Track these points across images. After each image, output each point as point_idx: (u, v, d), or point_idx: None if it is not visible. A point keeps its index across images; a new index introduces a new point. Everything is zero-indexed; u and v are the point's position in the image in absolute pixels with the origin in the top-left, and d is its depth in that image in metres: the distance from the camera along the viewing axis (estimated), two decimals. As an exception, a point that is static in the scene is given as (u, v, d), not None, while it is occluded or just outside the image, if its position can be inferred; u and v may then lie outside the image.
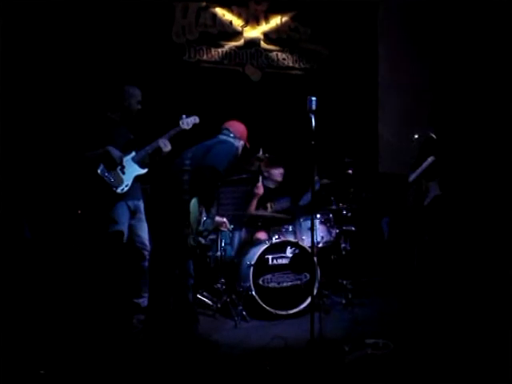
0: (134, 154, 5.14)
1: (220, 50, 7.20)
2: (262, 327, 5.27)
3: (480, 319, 4.91)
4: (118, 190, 5.03)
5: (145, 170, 5.18)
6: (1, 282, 4.93)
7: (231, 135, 5.44)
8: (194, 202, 4.88)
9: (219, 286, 5.83)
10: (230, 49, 7.27)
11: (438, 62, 7.60)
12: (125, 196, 5.07)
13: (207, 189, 5.02)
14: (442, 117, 6.86)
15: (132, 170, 5.13)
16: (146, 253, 5.22)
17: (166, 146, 5.13)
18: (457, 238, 5.91)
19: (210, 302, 5.81)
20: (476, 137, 6.52)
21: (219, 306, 5.70)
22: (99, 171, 4.99)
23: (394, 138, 7.43)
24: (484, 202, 6.06)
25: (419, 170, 5.40)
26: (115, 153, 5.02)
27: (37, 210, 5.81)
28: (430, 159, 5.36)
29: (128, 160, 5.11)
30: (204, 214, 4.93)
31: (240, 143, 5.47)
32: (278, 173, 6.46)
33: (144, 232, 5.23)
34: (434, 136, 5.83)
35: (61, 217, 5.91)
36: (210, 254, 6.07)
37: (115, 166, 5.04)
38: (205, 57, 7.11)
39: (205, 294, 5.96)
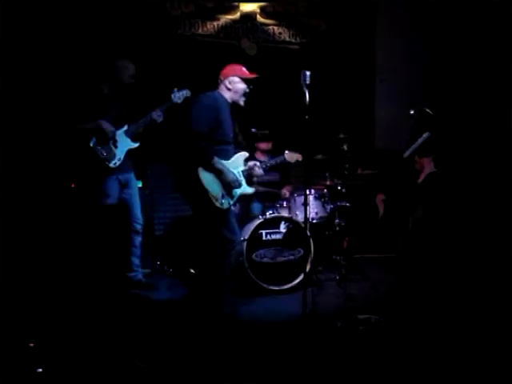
0: (126, 127, 5.15)
1: (216, 23, 7.12)
2: (254, 302, 5.28)
3: (475, 296, 4.91)
4: (111, 164, 5.07)
5: (137, 144, 5.23)
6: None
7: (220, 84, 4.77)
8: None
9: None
10: (226, 22, 7.18)
11: (436, 39, 7.53)
12: (116, 170, 5.08)
13: (189, 151, 4.53)
14: (439, 92, 6.82)
15: (124, 144, 5.15)
16: (139, 226, 5.24)
17: (159, 117, 5.14)
18: (451, 215, 5.89)
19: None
20: (472, 112, 6.48)
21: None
22: (91, 145, 5.00)
23: (390, 114, 7.38)
24: (479, 179, 6.04)
25: (414, 146, 5.35)
26: (108, 127, 5.02)
27: (29, 183, 5.79)
28: (426, 135, 5.29)
29: (120, 134, 5.13)
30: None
31: (226, 83, 4.72)
32: (266, 146, 6.40)
33: (136, 205, 5.26)
34: (429, 111, 5.77)
35: (54, 190, 5.90)
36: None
37: (107, 140, 5.03)
38: (200, 30, 7.02)
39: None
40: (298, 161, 5.20)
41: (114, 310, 4.74)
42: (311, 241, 5.66)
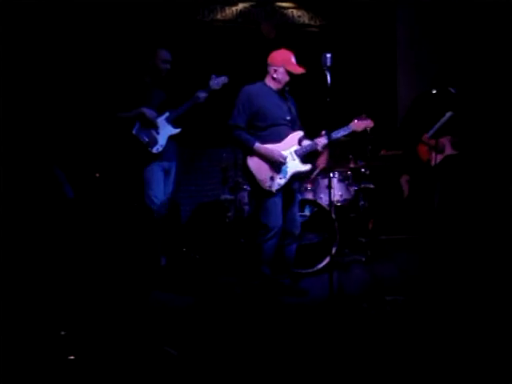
0: (167, 114, 5.26)
1: (234, 8, 7.12)
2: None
3: (496, 277, 4.88)
4: (154, 150, 5.22)
5: (178, 130, 5.34)
6: (44, 239, 5.01)
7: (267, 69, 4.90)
8: None
9: (239, 245, 5.87)
10: (245, 7, 7.18)
11: (458, 22, 7.42)
12: (159, 156, 5.21)
13: (232, 143, 5.01)
14: (461, 72, 6.73)
15: (166, 130, 5.30)
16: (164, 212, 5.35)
17: (204, 98, 5.25)
18: (468, 199, 5.85)
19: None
20: (494, 95, 6.39)
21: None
22: (134, 131, 5.15)
23: (413, 93, 7.30)
24: (497, 162, 5.96)
25: (437, 126, 5.30)
26: (150, 113, 5.14)
27: (74, 170, 5.88)
28: (449, 114, 5.25)
29: (162, 120, 5.26)
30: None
31: (271, 72, 4.84)
32: None
33: (168, 193, 5.40)
34: (452, 90, 5.71)
35: (92, 178, 6.01)
36: (229, 214, 6.10)
37: (150, 126, 5.14)
38: (219, 16, 7.03)
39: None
40: (366, 129, 5.02)
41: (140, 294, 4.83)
42: (336, 223, 5.65)
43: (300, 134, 4.89)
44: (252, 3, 7.17)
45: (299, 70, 4.81)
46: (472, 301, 4.39)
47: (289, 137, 4.84)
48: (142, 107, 5.15)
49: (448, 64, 7.22)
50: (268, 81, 4.88)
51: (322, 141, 4.82)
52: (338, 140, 4.95)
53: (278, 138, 4.78)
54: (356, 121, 4.92)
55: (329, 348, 3.70)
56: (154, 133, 5.22)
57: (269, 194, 4.71)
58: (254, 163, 4.72)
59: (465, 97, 5.83)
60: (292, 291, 4.89)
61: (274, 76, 4.82)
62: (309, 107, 6.64)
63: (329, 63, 4.12)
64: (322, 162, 6.29)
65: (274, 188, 4.70)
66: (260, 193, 4.76)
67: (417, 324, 4.02)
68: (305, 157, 4.87)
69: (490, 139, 6.04)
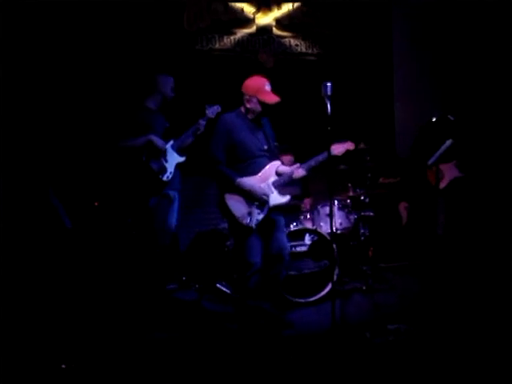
0: (172, 142, 5.19)
1: (232, 37, 7.17)
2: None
3: (500, 303, 4.84)
4: (164, 178, 5.12)
5: (184, 158, 5.26)
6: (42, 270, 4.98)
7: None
8: None
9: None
10: (243, 36, 7.22)
11: (455, 44, 7.49)
12: (168, 184, 5.15)
13: (213, 177, 4.72)
14: (458, 99, 6.77)
15: (173, 158, 5.21)
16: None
17: (203, 126, 5.15)
18: (475, 222, 5.84)
19: (228, 291, 5.80)
20: (493, 118, 6.42)
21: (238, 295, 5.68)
22: (144, 159, 5.07)
23: (410, 121, 7.34)
24: (502, 182, 5.96)
25: (438, 153, 5.31)
26: (159, 142, 5.07)
27: (74, 199, 5.84)
28: (449, 142, 5.26)
29: (168, 148, 5.18)
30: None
31: (244, 100, 4.74)
32: (287, 160, 6.28)
33: (172, 222, 5.32)
34: (451, 118, 5.75)
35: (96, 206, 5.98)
36: (229, 243, 6.06)
37: (158, 153, 5.08)
38: (217, 45, 7.07)
39: (224, 283, 5.94)
40: (348, 150, 4.83)
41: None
42: (336, 252, 5.61)
43: (277, 163, 4.80)
44: (250, 32, 7.21)
45: (273, 100, 4.65)
46: (476, 327, 4.35)
47: (266, 168, 4.72)
48: (149, 135, 5.06)
49: (445, 90, 7.28)
50: (243, 109, 4.77)
51: (299, 172, 4.71)
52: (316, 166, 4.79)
53: (256, 170, 4.67)
54: (335, 145, 4.75)
55: (334, 379, 3.65)
56: (162, 161, 5.13)
57: (247, 230, 4.58)
58: (231, 200, 4.58)
59: (464, 123, 5.86)
60: (284, 323, 4.81)
61: (248, 106, 4.71)
62: (307, 137, 6.69)
63: (329, 92, 4.11)
64: (307, 203, 6.32)
65: (253, 224, 4.56)
66: (238, 230, 4.61)
67: (421, 353, 3.98)
68: (283, 188, 4.74)
69: (494, 161, 6.05)
